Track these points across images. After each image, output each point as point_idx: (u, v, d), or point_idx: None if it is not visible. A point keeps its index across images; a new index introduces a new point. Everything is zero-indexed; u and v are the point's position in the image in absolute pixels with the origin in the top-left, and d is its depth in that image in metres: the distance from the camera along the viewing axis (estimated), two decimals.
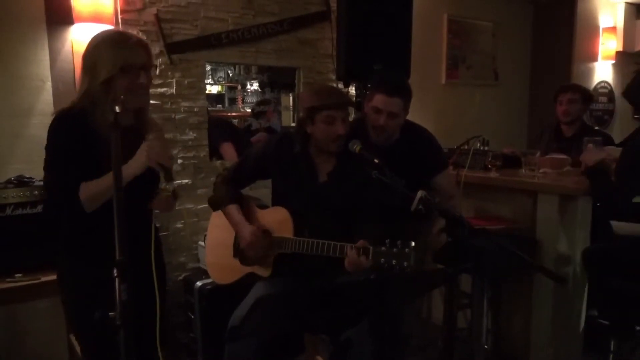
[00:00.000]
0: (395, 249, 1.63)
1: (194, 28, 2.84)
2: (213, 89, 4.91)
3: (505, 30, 4.42)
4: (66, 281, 1.56)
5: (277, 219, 1.96)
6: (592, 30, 4.73)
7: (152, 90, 2.73)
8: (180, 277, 2.88)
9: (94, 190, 1.41)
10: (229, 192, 2.06)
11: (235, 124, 4.28)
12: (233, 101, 4.99)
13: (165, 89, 2.78)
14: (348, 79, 3.04)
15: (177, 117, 2.85)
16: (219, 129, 3.40)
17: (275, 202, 2.06)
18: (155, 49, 2.71)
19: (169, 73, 2.79)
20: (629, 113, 5.26)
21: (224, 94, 5.03)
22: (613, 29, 4.75)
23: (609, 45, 4.73)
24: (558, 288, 2.47)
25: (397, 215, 1.88)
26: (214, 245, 2.17)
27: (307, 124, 1.90)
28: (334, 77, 3.26)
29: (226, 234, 2.09)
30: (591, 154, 2.39)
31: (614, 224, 2.93)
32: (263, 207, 2.09)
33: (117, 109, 1.28)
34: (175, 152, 2.85)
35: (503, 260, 2.31)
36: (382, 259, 1.64)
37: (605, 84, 4.94)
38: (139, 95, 1.49)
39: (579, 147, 3.05)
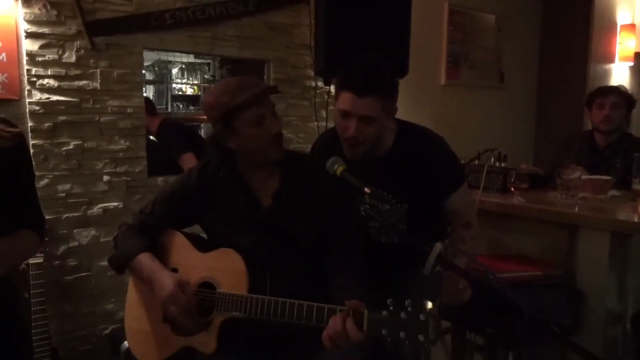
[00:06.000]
0: (403, 315, 1.09)
1: (128, 3, 2.20)
2: (189, 90, 4.65)
3: (511, 24, 3.86)
4: None
5: (224, 268, 1.42)
6: (610, 27, 4.17)
7: (66, 84, 2.12)
8: (107, 331, 2.21)
9: None
10: (137, 241, 1.51)
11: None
12: None
13: (85, 81, 2.13)
14: (329, 74, 2.41)
15: (102, 119, 2.19)
16: (178, 137, 2.91)
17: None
18: (72, 28, 2.04)
19: (91, 61, 2.13)
20: None
21: (199, 96, 4.63)
22: (632, 27, 4.20)
23: (627, 45, 4.17)
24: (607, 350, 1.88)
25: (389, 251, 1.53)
26: (135, 304, 1.59)
27: (228, 137, 1.42)
28: (312, 72, 2.69)
29: None
30: None
31: None
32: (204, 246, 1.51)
33: None
34: (99, 166, 2.17)
35: (530, 324, 1.78)
36: (384, 330, 1.10)
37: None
38: None
39: (615, 160, 2.51)
